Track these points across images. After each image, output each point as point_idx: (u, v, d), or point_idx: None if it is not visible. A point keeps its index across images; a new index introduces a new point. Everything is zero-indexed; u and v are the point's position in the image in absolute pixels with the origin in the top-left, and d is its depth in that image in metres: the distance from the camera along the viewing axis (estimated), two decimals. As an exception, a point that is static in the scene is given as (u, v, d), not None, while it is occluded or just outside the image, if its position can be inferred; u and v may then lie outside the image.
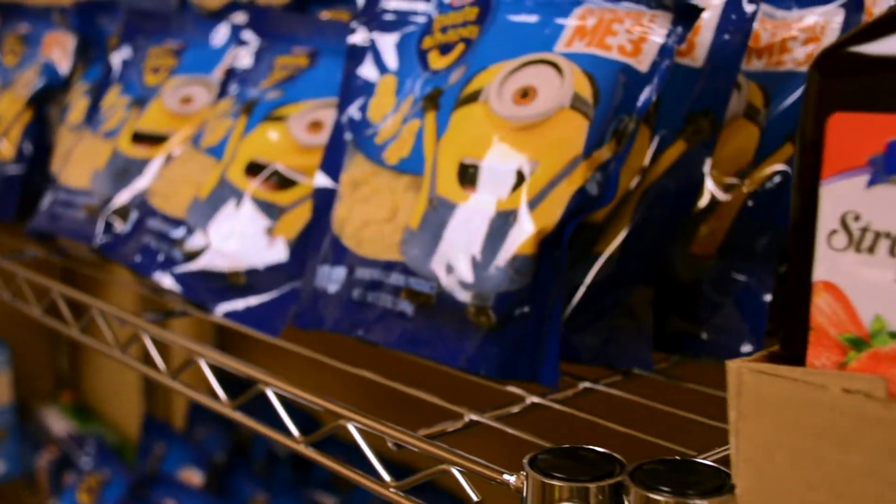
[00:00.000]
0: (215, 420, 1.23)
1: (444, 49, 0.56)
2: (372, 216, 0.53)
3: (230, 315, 0.60)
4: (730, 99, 0.51)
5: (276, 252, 0.60)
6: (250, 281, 0.60)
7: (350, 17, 0.74)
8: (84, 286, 1.61)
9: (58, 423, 1.59)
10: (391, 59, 0.58)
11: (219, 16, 0.91)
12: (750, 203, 0.53)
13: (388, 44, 0.59)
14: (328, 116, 0.64)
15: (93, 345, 0.62)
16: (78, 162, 0.80)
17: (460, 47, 0.55)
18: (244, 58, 0.74)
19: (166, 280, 0.62)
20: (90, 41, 1.00)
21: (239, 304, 0.60)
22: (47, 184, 0.96)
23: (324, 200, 0.57)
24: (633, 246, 0.50)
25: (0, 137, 0.98)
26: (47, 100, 1.00)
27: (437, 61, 0.56)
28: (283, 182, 0.62)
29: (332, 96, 0.66)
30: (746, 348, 0.51)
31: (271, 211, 0.61)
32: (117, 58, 0.88)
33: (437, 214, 0.49)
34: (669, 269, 0.53)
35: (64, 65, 1.00)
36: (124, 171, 0.75)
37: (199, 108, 0.77)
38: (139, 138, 0.77)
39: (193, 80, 0.80)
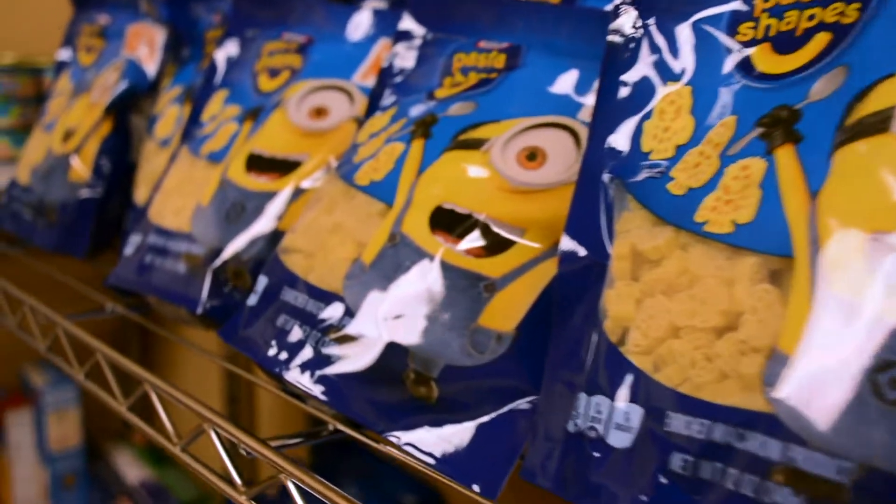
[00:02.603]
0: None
1: (783, 43, 0.34)
2: (686, 320, 0.31)
3: (419, 450, 0.39)
4: None
5: (487, 353, 0.39)
6: (445, 396, 0.39)
7: (558, -1, 0.53)
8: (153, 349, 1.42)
9: (131, 468, 1.41)
10: (681, 59, 0.37)
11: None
12: None
13: (674, 35, 0.37)
14: (553, 142, 0.43)
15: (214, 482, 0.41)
16: (173, 193, 0.61)
17: (821, 40, 0.33)
18: (404, 56, 0.54)
19: (315, 387, 0.42)
20: (183, 35, 0.80)
21: (429, 435, 0.39)
22: (127, 211, 0.77)
23: (577, 280, 0.36)
24: None
25: (72, 153, 0.79)
26: (130, 107, 0.80)
27: (769, 63, 0.34)
28: (494, 243, 0.41)
29: (554, 112, 0.45)
30: None
31: (475, 286, 0.40)
32: (221, 55, 0.68)
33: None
34: None
35: (151, 64, 0.80)
36: (238, 208, 0.55)
37: (339, 123, 0.57)
38: (257, 163, 0.57)
39: (327, 85, 0.59)
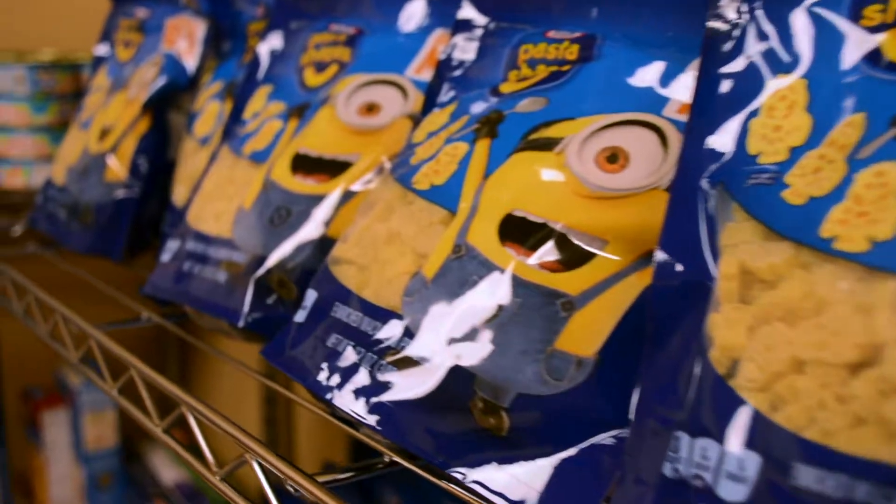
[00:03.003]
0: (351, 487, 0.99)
1: (921, 26, 0.29)
2: (813, 353, 0.27)
3: (488, 489, 0.34)
4: None
5: (565, 380, 0.35)
6: (518, 428, 0.35)
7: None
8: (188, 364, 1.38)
9: (166, 469, 1.39)
10: (794, 48, 0.32)
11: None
12: None
13: (786, 21, 0.33)
14: (636, 142, 0.39)
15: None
16: (213, 195, 0.57)
17: (970, 22, 0.28)
18: (464, 47, 0.49)
19: (370, 416, 0.37)
20: (224, 28, 0.77)
21: (500, 473, 0.34)
22: (166, 213, 0.74)
23: (674, 300, 0.32)
24: None
25: (108, 152, 0.76)
26: (169, 104, 0.77)
27: (903, 50, 0.29)
28: (572, 255, 0.37)
29: (636, 109, 0.40)
30: None
31: (551, 304, 0.36)
32: (264, 49, 0.64)
33: None
34: None
35: (190, 59, 0.77)
36: (283, 212, 0.51)
37: (392, 121, 0.53)
38: (303, 164, 0.53)
39: (378, 79, 0.55)
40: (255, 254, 0.50)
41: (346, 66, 0.58)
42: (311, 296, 0.43)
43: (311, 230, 0.50)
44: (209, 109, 0.72)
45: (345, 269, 0.42)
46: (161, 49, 0.78)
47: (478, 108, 0.45)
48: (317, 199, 0.50)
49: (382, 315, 0.39)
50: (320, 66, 0.60)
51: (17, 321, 0.71)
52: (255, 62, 0.64)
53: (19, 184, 1.07)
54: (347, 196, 0.50)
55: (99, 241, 0.74)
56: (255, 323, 0.49)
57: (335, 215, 0.50)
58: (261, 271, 0.49)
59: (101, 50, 0.88)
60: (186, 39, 0.77)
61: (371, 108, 0.54)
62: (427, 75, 0.54)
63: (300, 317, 0.43)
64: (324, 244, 0.49)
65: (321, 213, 0.50)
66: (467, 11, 0.50)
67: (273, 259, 0.50)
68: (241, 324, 0.49)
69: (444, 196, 0.41)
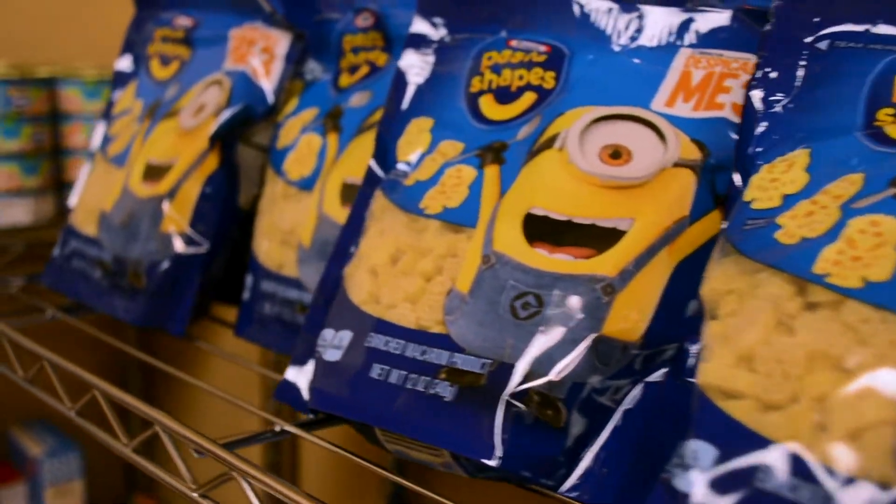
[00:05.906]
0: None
1: None
2: None
3: None
4: None
5: None
6: None
7: None
8: None
9: (139, 548, 1.21)
10: None
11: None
12: None
13: None
14: None
15: None
16: (392, 270, 0.42)
17: None
18: (780, 75, 0.36)
19: None
20: (311, 42, 0.61)
21: None
22: (247, 276, 0.58)
23: None
24: None
25: (164, 196, 0.59)
26: (238, 138, 0.61)
27: None
28: None
29: None
30: None
31: None
32: (411, 70, 0.49)
33: None
34: None
35: (267, 80, 0.61)
36: (530, 300, 0.37)
37: (657, 171, 0.39)
38: (544, 230, 0.38)
39: (617, 114, 0.41)
40: (495, 359, 0.36)
41: (552, 95, 0.44)
42: (704, 451, 0.28)
43: (578, 326, 0.35)
44: (305, 144, 0.57)
45: (743, 407, 0.28)
46: (225, 67, 0.62)
47: (864, 163, 0.32)
48: (578, 282, 0.36)
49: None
50: (505, 95, 0.45)
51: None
52: (400, 87, 0.49)
53: (-14, 221, 0.88)
54: (625, 276, 0.36)
55: (155, 309, 0.58)
56: (513, 460, 0.34)
57: (612, 304, 0.36)
58: (512, 385, 0.35)
59: (124, 64, 0.71)
60: (263, 55, 0.61)
61: (617, 154, 0.40)
62: (683, 109, 0.41)
63: (695, 482, 0.28)
64: (601, 346, 0.35)
65: (590, 301, 0.36)
66: (786, 25, 0.37)
67: (524, 367, 0.35)
68: (494, 462, 0.34)
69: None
